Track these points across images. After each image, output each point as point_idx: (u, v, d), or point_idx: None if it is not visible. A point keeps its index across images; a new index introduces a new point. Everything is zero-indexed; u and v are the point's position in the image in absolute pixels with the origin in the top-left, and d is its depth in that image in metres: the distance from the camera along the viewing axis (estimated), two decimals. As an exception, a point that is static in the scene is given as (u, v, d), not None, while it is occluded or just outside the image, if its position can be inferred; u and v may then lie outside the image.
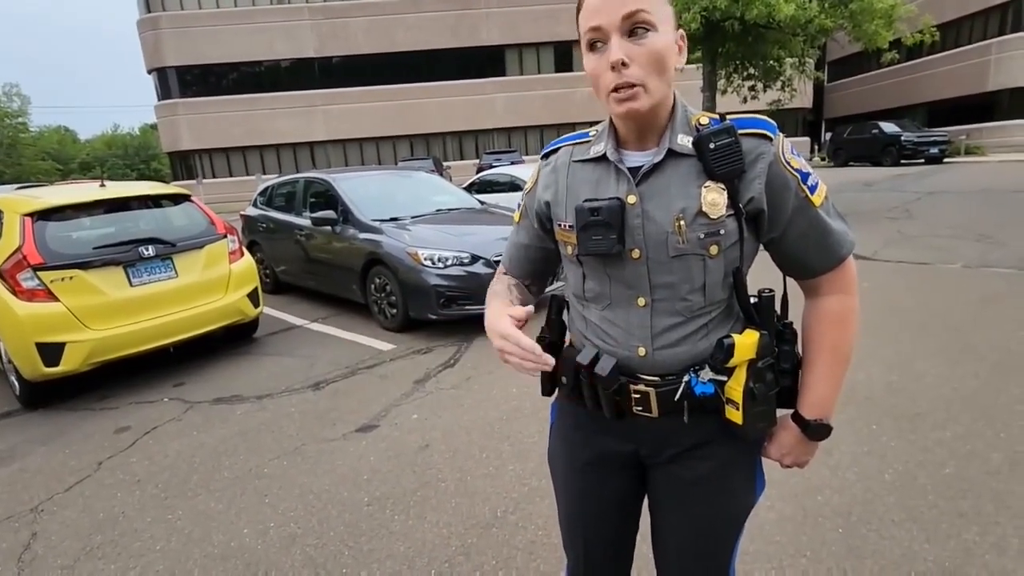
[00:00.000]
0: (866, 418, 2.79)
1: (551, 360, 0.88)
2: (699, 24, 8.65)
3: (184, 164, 29.44)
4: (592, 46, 0.84)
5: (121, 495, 2.62)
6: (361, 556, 2.09)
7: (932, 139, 18.74)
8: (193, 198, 4.47)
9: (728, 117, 0.90)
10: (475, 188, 8.36)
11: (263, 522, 2.33)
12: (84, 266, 3.62)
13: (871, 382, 3.18)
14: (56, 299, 3.51)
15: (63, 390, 3.81)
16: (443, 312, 4.42)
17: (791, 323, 0.99)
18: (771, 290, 0.95)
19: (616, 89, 0.82)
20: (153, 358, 4.12)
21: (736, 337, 0.88)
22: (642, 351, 0.92)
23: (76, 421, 3.49)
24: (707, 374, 0.90)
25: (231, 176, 28.97)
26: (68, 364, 3.53)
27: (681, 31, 0.87)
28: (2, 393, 3.94)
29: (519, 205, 1.10)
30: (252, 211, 6.66)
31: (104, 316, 3.67)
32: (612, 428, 1.00)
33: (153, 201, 4.26)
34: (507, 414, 3.11)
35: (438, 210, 5.57)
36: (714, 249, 0.87)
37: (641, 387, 0.93)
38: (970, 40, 25.23)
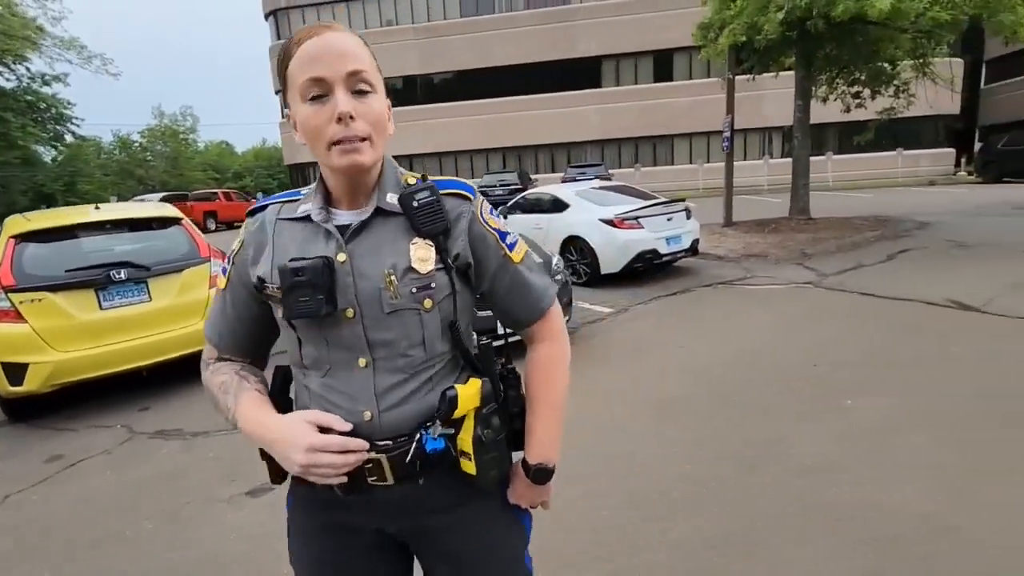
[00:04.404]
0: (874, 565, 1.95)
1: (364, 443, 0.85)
2: (778, 28, 7.48)
3: (300, 175, 32.12)
4: (311, 97, 0.81)
5: (-11, 542, 2.51)
6: None
7: (1121, 151, 15.13)
8: (183, 221, 4.49)
9: (429, 178, 0.92)
10: (518, 209, 7.92)
11: (69, 607, 2.07)
12: (53, 288, 3.70)
13: (904, 505, 2.27)
14: (23, 320, 3.60)
15: (49, 404, 3.92)
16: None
17: (513, 368, 1.01)
18: (488, 339, 0.98)
19: (339, 142, 0.81)
20: (136, 379, 4.14)
21: (459, 387, 0.88)
22: (368, 415, 0.87)
23: (32, 441, 3.55)
24: (437, 429, 0.87)
25: (339, 187, 31.09)
26: (31, 384, 3.60)
27: (389, 100, 0.89)
28: None
29: (225, 270, 0.98)
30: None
31: (71, 338, 3.72)
32: (350, 504, 0.93)
33: (141, 224, 4.33)
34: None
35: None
36: (428, 303, 0.87)
37: (372, 454, 0.86)
38: None
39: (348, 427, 0.85)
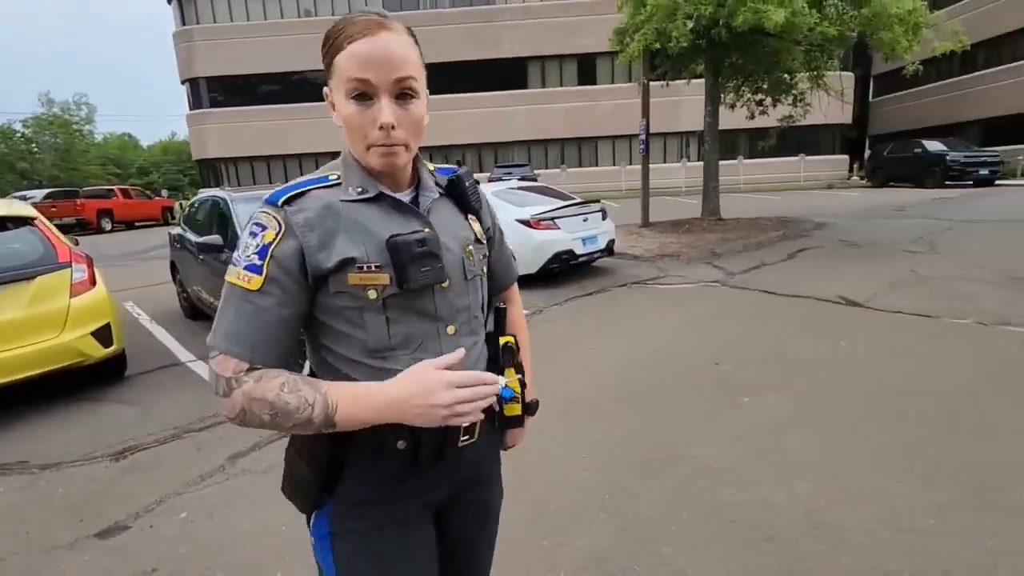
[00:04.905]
0: (763, 568, 1.92)
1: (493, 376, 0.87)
2: (687, 36, 7.76)
3: (212, 172, 30.04)
4: (355, 95, 0.83)
5: None
6: None
7: (982, 159, 17.08)
8: (37, 221, 3.93)
9: (439, 166, 1.04)
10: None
11: None
12: None
13: (794, 503, 2.30)
14: None
15: None
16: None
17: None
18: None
19: (379, 145, 0.85)
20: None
21: (506, 339, 1.03)
22: None
23: None
24: (503, 379, 0.91)
25: (255, 184, 29.33)
26: None
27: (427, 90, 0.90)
28: None
29: (257, 268, 0.83)
30: (175, 229, 6.18)
31: None
32: (433, 478, 0.96)
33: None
34: (290, 526, 2.37)
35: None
36: (485, 268, 1.02)
37: None
38: (1033, 52, 23.12)
39: (463, 353, 0.86)
